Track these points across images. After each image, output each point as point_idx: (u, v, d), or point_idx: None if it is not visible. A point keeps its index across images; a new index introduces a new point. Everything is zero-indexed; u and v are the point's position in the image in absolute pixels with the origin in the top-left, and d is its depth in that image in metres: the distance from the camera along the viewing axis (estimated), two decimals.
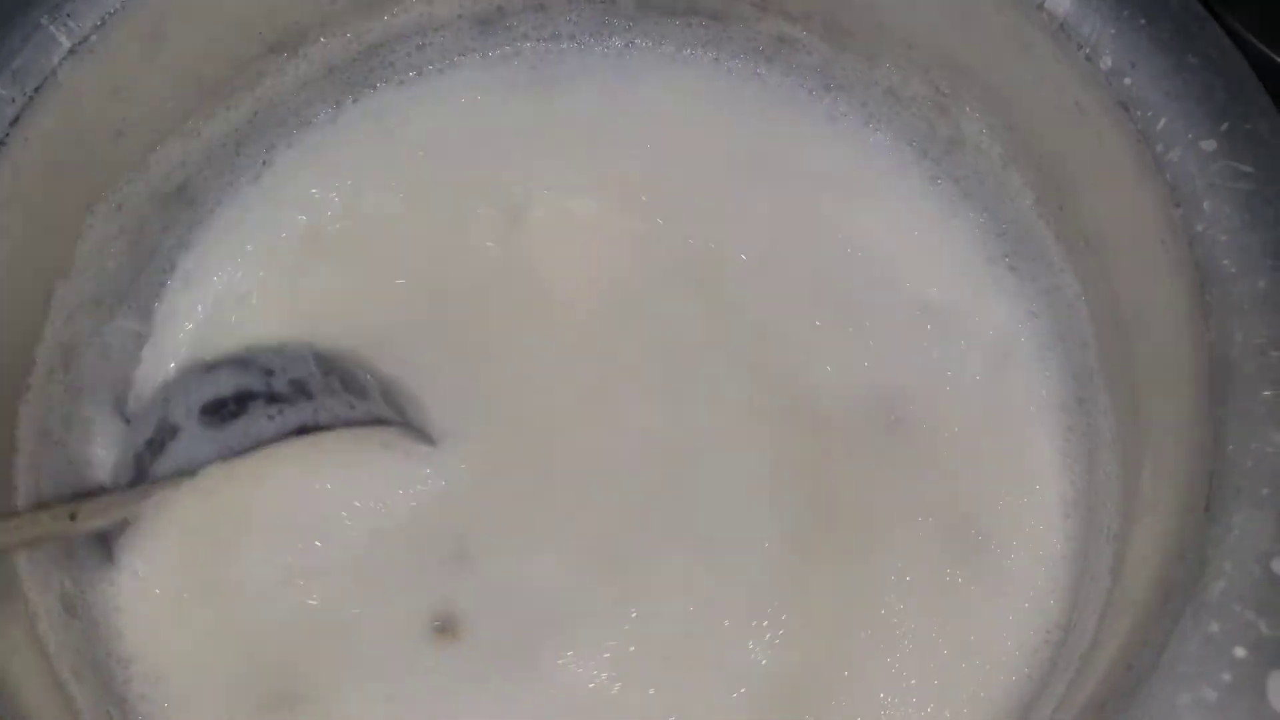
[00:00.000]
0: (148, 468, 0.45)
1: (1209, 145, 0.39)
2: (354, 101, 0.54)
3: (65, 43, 0.42)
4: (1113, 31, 0.41)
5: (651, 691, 0.44)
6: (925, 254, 0.51)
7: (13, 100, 0.41)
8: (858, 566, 0.46)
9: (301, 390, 0.46)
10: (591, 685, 0.44)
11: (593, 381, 0.48)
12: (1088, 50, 0.42)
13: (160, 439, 0.46)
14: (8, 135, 0.41)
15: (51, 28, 0.42)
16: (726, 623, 0.44)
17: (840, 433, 0.47)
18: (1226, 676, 0.32)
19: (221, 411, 0.46)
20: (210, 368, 0.48)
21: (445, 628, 0.44)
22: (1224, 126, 0.39)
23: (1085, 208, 0.45)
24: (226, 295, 0.51)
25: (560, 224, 0.51)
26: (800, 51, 0.53)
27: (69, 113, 0.43)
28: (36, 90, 0.42)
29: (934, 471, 0.47)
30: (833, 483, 0.47)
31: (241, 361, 0.48)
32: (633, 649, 0.44)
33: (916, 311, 0.50)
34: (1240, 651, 0.32)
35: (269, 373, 0.47)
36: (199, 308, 0.51)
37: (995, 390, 0.49)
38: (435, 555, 0.46)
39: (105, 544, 0.46)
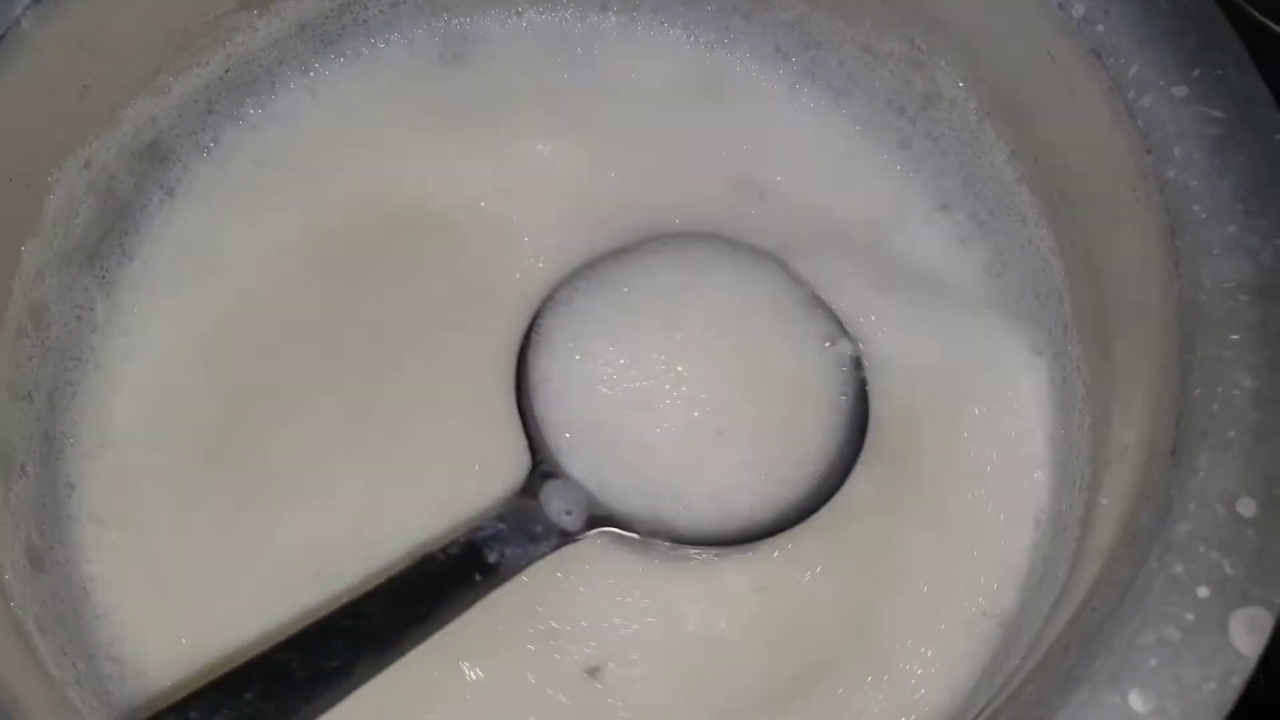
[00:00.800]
0: None
1: (1180, 91, 0.39)
2: (327, 60, 0.53)
3: None
4: None
5: None
6: (898, 212, 0.51)
7: None
8: None
9: None
10: None
11: None
12: None
13: None
14: None
15: None
16: None
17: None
18: (1190, 616, 0.32)
19: None
20: None
21: None
22: (1195, 72, 0.39)
23: (1059, 159, 0.45)
24: (196, 254, 0.51)
25: (533, 175, 0.51)
26: (776, 8, 0.52)
27: (33, 65, 0.43)
28: None
29: (907, 430, 0.47)
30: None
31: None
32: None
33: (886, 269, 0.50)
34: (1204, 591, 0.32)
35: None
36: (167, 268, 0.50)
37: (969, 348, 0.49)
38: None
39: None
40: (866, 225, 0.51)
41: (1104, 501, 0.39)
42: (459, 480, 0.45)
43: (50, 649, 0.40)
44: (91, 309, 0.49)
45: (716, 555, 0.44)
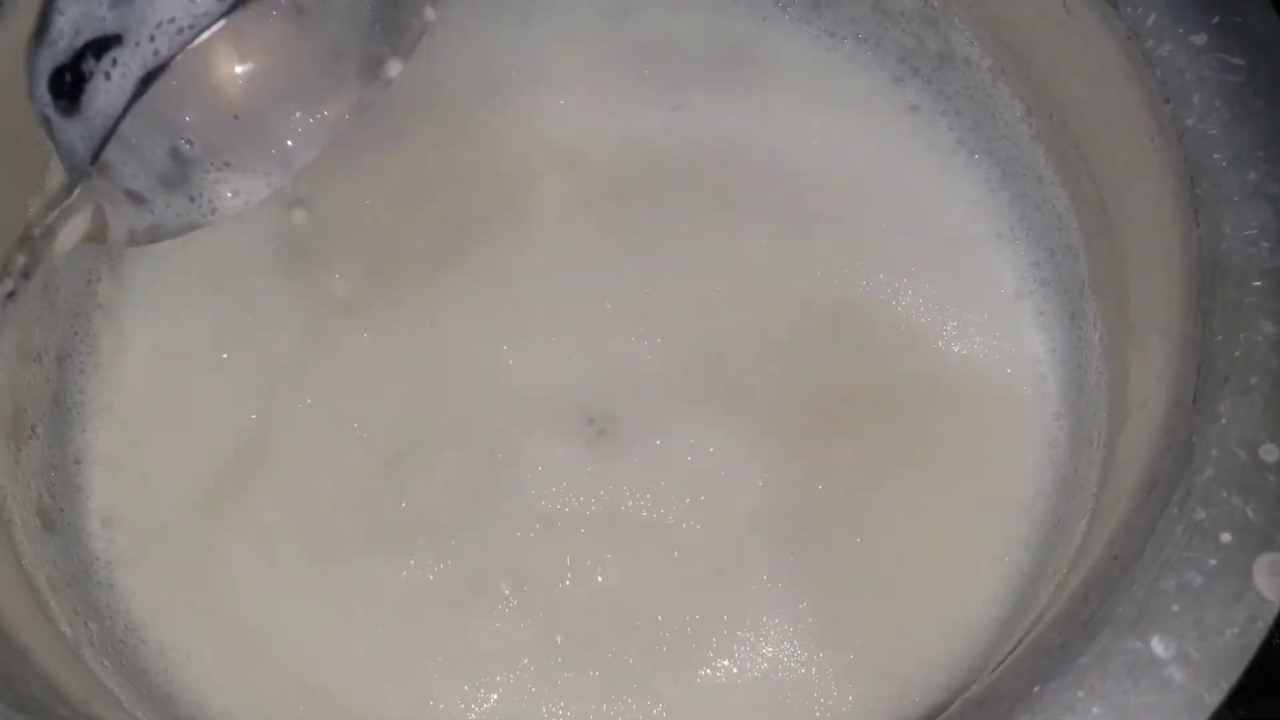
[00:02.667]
0: None
1: (1199, 39, 0.38)
2: None
3: None
4: None
5: None
6: (911, 172, 0.50)
7: None
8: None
9: None
10: None
11: None
12: None
13: None
14: None
15: None
16: None
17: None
18: (1212, 561, 0.31)
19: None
20: None
21: None
22: (1214, 20, 0.39)
23: (1074, 114, 0.44)
24: None
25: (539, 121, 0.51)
26: None
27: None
28: None
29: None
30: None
31: None
32: None
33: (901, 231, 0.49)
34: (1226, 537, 0.32)
35: None
36: None
37: (981, 308, 0.48)
38: None
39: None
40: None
41: (1122, 454, 0.39)
42: None
43: (63, 609, 0.40)
44: (98, 274, 0.49)
45: None
